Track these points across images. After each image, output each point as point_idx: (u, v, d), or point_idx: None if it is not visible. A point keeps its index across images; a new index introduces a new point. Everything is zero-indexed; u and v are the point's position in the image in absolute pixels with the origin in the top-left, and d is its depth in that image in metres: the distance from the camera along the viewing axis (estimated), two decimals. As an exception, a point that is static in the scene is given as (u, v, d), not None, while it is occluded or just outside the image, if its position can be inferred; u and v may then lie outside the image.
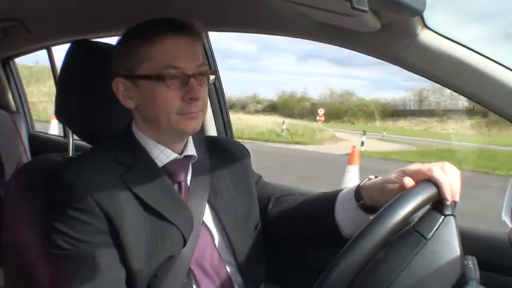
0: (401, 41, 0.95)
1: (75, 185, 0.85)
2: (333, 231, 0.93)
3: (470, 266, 0.78)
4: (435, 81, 1.00)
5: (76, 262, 0.82)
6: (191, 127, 0.90)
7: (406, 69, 1.00)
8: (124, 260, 0.85)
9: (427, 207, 0.79)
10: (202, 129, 1.61)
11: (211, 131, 1.69)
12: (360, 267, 0.69)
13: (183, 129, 0.90)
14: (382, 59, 1.02)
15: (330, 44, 1.08)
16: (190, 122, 0.89)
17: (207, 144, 1.06)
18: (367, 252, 0.69)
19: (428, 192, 0.76)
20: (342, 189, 0.97)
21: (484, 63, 0.92)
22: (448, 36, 0.93)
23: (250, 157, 1.12)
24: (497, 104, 0.93)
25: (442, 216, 0.77)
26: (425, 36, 0.93)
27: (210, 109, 1.68)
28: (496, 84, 0.90)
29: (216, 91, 1.71)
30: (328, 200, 0.96)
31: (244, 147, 1.14)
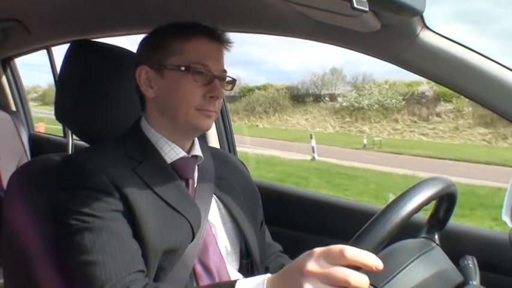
0: (402, 41, 0.95)
1: (88, 165, 0.85)
2: None
3: (470, 266, 0.78)
4: (435, 81, 1.00)
5: (93, 234, 0.81)
6: (206, 124, 0.94)
7: (406, 69, 1.00)
8: (138, 239, 0.84)
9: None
10: (205, 140, 1.58)
11: (214, 143, 1.68)
12: (400, 227, 0.67)
13: (198, 125, 0.93)
14: (382, 59, 1.02)
15: (330, 44, 1.08)
16: (206, 119, 0.93)
17: (210, 151, 1.09)
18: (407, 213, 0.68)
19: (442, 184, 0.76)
20: None
21: (484, 63, 0.92)
22: (448, 37, 0.93)
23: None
24: (497, 103, 0.93)
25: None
26: (425, 36, 0.93)
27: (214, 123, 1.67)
28: (496, 84, 0.91)
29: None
30: None
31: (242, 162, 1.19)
